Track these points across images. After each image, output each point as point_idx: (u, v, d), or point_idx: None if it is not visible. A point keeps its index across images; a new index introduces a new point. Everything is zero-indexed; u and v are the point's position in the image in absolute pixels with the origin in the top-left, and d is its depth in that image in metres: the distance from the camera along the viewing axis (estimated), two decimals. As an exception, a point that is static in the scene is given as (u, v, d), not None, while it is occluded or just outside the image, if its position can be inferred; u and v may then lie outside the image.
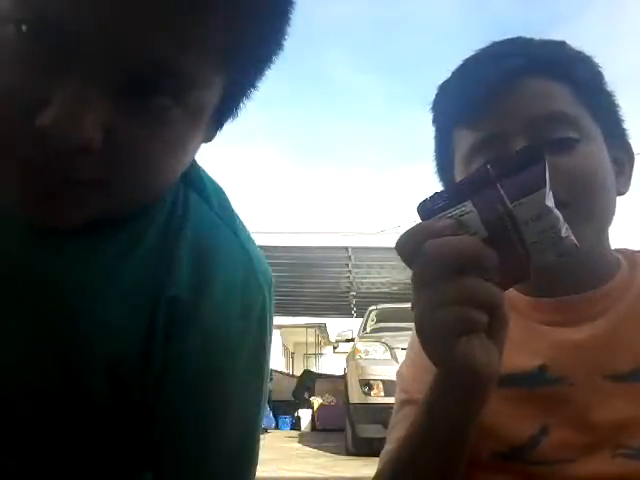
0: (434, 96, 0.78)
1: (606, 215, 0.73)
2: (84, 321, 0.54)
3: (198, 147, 0.56)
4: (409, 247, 0.52)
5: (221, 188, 0.65)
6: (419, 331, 0.53)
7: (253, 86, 0.56)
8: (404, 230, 0.53)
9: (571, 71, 0.72)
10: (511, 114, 0.70)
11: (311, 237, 9.18)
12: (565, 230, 0.49)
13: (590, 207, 0.69)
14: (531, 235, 0.48)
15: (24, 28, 0.43)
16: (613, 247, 0.79)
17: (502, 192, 0.48)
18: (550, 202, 0.48)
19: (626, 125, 0.78)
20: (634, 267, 0.76)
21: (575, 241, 0.50)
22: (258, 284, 0.61)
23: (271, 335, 0.63)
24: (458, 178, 0.76)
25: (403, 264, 0.54)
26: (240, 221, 0.64)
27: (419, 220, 0.52)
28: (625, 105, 0.77)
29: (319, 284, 11.03)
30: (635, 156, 0.78)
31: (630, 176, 0.78)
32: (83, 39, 0.43)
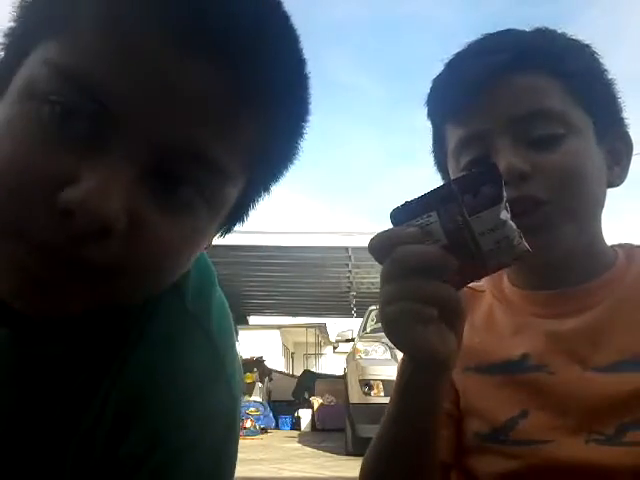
0: (428, 90, 0.79)
1: (591, 210, 0.73)
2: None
3: (202, 248, 0.54)
4: (379, 249, 0.58)
5: (207, 269, 0.62)
6: (381, 321, 0.59)
7: (267, 190, 0.56)
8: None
9: (561, 63, 0.71)
10: (495, 112, 0.70)
11: (311, 237, 9.18)
12: (517, 239, 0.55)
13: (572, 204, 0.70)
14: (487, 244, 0.55)
15: (57, 109, 0.43)
16: (617, 242, 0.79)
17: (462, 206, 0.55)
18: (504, 215, 0.55)
19: (625, 115, 0.77)
20: (630, 262, 0.76)
21: (527, 247, 0.56)
22: (228, 390, 0.57)
23: (237, 445, 0.59)
24: (450, 171, 0.78)
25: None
26: (218, 309, 0.60)
27: (391, 225, 0.59)
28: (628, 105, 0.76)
29: (319, 284, 11.03)
30: (634, 147, 0.78)
31: (627, 167, 0.78)
32: (124, 120, 0.43)
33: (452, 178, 0.60)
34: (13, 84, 0.46)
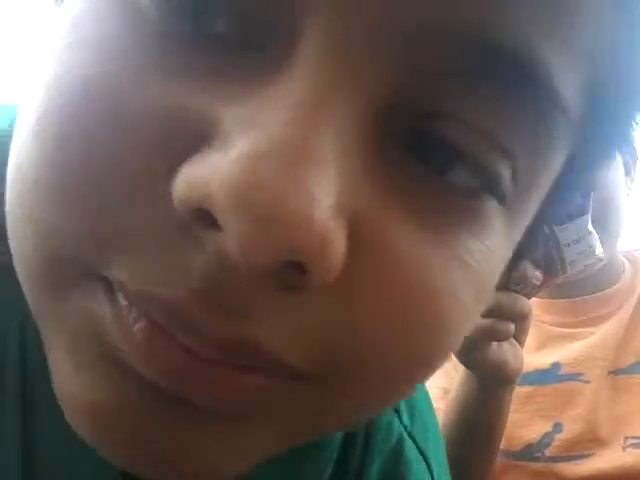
0: None
1: (619, 225, 0.74)
2: None
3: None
4: None
5: None
6: None
7: (597, 166, 0.27)
8: None
9: None
10: None
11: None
12: (599, 248, 0.54)
13: (609, 222, 0.70)
14: (570, 255, 0.53)
15: None
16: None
17: None
18: (590, 226, 0.53)
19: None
20: (635, 266, 0.78)
21: (602, 256, 0.55)
22: None
23: None
24: None
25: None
26: (433, 421, 0.43)
27: None
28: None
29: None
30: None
31: (634, 176, 0.78)
32: (318, 8, 0.17)
33: None
34: None
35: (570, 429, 0.69)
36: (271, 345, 0.18)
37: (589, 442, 0.68)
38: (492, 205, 0.21)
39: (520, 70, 0.18)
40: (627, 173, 0.76)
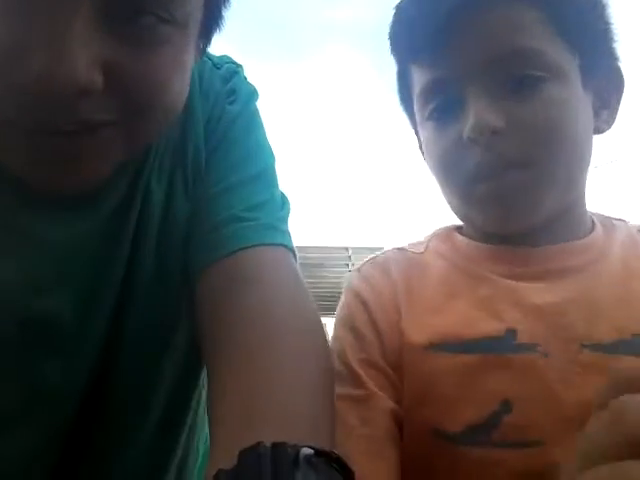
0: (391, 21, 0.66)
1: (575, 171, 0.62)
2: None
3: (192, 65, 0.53)
4: None
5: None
6: None
7: None
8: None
9: None
10: (464, 54, 0.59)
11: (311, 237, 9.16)
12: None
13: (552, 165, 0.59)
14: None
15: None
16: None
17: None
18: None
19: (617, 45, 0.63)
20: (611, 231, 0.66)
21: None
22: None
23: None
24: (417, 114, 0.68)
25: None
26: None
27: None
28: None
29: (319, 284, 11.01)
30: (625, 85, 0.64)
31: (617, 109, 0.65)
32: None
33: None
34: None
35: (521, 410, 0.55)
36: (95, 112, 0.42)
37: (543, 427, 0.54)
38: (169, 27, 0.44)
39: None
40: (605, 105, 0.64)
